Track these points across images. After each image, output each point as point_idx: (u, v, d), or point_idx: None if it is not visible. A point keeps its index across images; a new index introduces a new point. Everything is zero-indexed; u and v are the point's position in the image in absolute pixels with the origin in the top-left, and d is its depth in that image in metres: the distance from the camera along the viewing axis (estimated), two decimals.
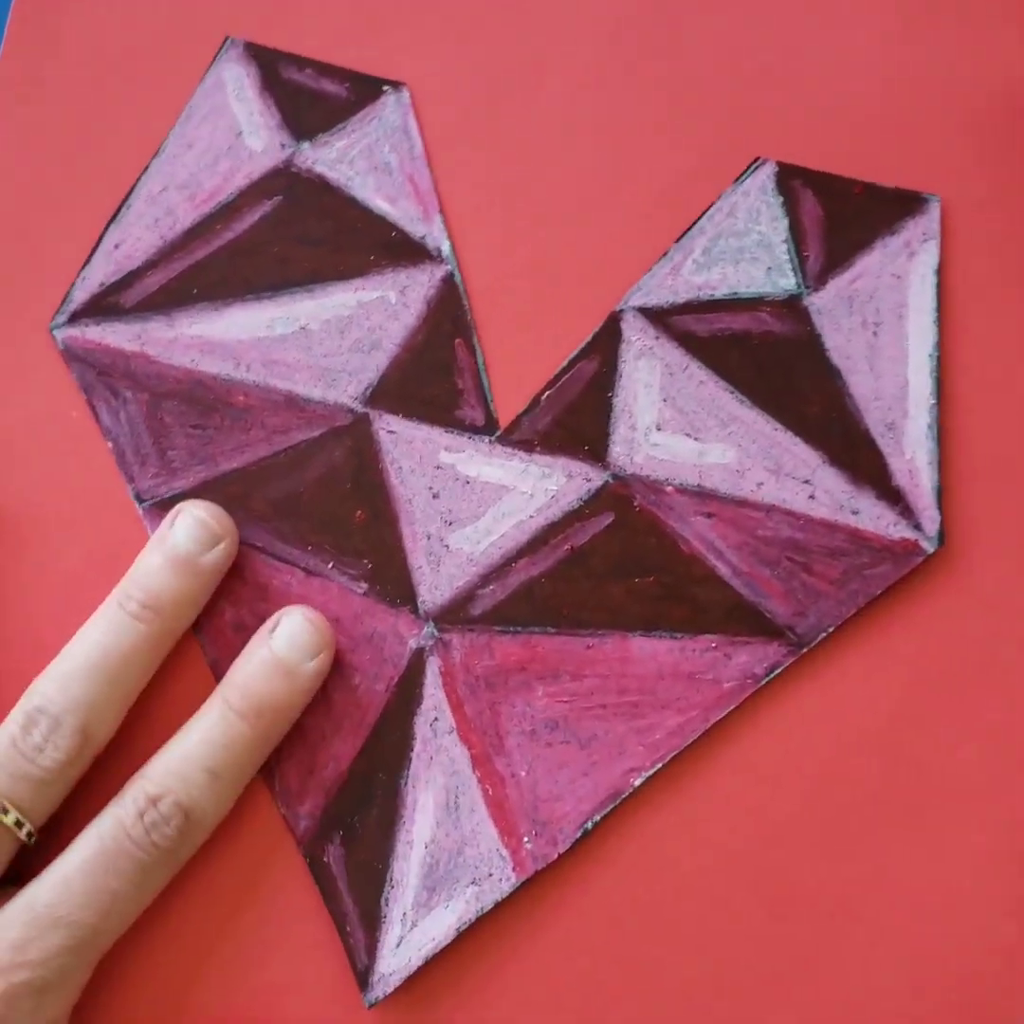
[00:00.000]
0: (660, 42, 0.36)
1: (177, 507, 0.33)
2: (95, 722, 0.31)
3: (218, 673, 0.34)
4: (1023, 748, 0.33)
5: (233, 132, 0.36)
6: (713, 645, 0.33)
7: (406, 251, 0.35)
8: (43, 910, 0.30)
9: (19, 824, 0.30)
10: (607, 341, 0.35)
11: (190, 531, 0.33)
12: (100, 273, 0.35)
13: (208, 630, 0.34)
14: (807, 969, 0.32)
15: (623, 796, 0.33)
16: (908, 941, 0.32)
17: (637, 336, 0.35)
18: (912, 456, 0.34)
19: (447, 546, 0.34)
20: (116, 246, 0.35)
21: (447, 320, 0.35)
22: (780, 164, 0.35)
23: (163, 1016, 0.32)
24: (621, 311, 0.35)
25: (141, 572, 0.32)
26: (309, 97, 0.36)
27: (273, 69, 0.36)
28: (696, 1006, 0.32)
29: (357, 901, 0.32)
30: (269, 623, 0.33)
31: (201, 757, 0.31)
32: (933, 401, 0.34)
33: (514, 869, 0.32)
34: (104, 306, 0.35)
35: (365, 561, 0.34)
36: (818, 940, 0.32)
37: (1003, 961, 0.32)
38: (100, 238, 0.35)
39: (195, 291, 0.35)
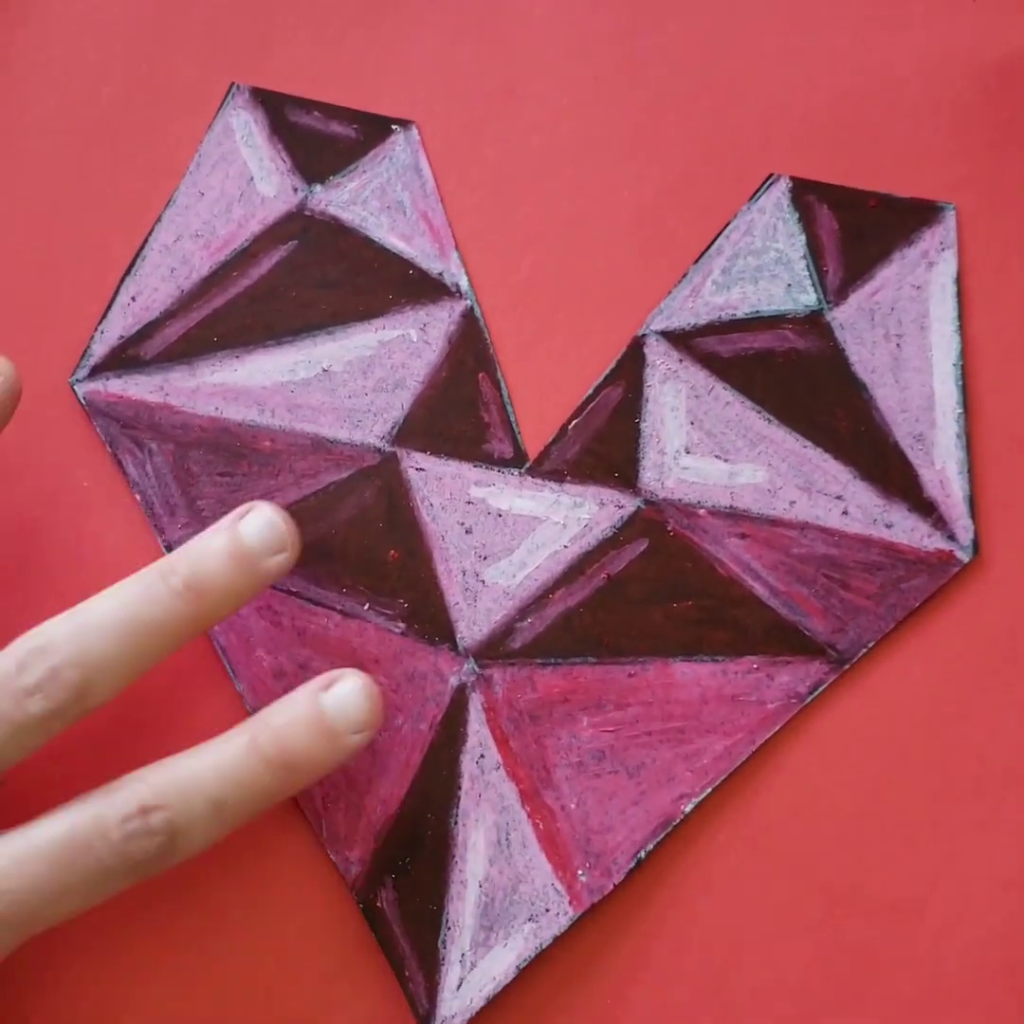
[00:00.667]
0: (667, 66, 0.36)
1: (250, 504, 0.31)
2: (97, 683, 0.29)
3: None
4: None
5: (244, 178, 0.36)
6: (755, 666, 0.33)
7: (424, 288, 0.35)
8: None
9: None
10: (631, 366, 0.35)
11: (260, 530, 0.30)
12: (118, 326, 0.35)
13: (246, 678, 0.34)
14: (881, 975, 0.32)
15: (675, 823, 0.32)
16: (975, 935, 0.32)
17: (661, 360, 0.35)
18: (942, 466, 0.34)
19: (483, 581, 0.34)
20: (133, 298, 0.35)
21: (469, 355, 0.35)
22: (794, 179, 0.35)
23: None
24: (643, 336, 0.35)
25: (195, 552, 0.30)
26: (318, 139, 0.36)
27: (280, 113, 0.36)
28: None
29: (414, 945, 0.32)
30: (324, 679, 0.30)
31: (212, 786, 0.29)
32: (960, 410, 0.34)
33: (570, 903, 0.32)
34: (124, 359, 0.35)
35: (401, 600, 0.34)
36: (888, 946, 0.32)
37: None
38: (116, 291, 0.35)
39: (215, 339, 0.35)
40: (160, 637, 0.30)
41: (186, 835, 0.29)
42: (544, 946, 0.32)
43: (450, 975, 0.32)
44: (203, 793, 0.29)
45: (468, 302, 0.35)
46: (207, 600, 0.30)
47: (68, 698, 0.29)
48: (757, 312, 0.35)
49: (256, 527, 0.30)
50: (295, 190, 0.36)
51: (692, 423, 0.34)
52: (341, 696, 0.30)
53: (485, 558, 0.34)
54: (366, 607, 0.34)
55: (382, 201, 0.36)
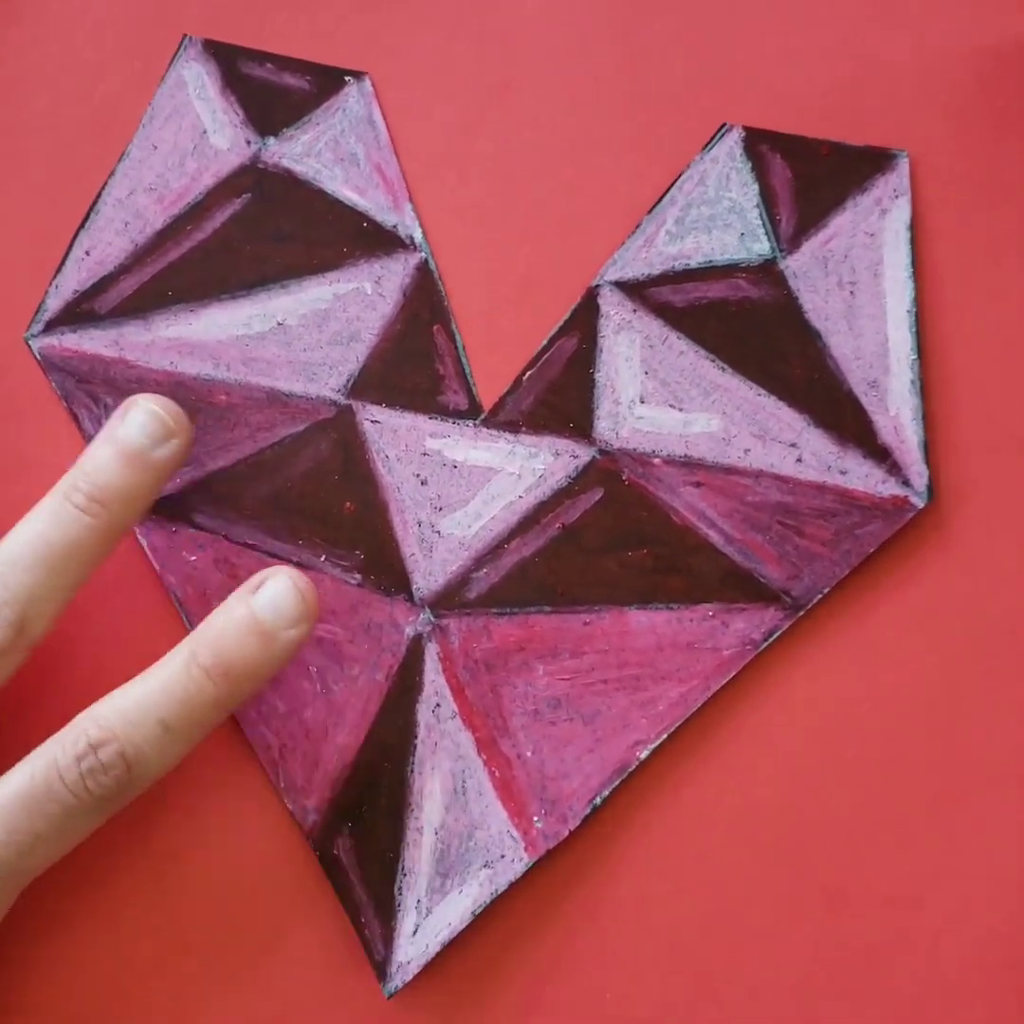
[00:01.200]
0: (621, 14, 0.36)
1: (129, 400, 0.32)
2: (33, 615, 0.30)
3: None
4: None
5: (197, 131, 0.36)
6: (710, 614, 0.33)
7: (379, 241, 0.35)
8: None
9: None
10: (585, 317, 0.35)
11: (142, 424, 0.31)
12: (73, 280, 0.35)
13: None
14: (815, 920, 0.32)
15: (630, 769, 0.33)
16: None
17: (615, 310, 0.35)
18: (896, 413, 0.34)
19: (438, 532, 0.34)
20: (87, 252, 0.35)
21: (424, 307, 0.35)
22: (747, 129, 0.35)
23: (181, 1016, 0.32)
24: (598, 286, 0.35)
25: (89, 465, 0.31)
26: (271, 92, 0.36)
27: (233, 65, 0.36)
28: (721, 972, 0.32)
29: (370, 892, 0.32)
30: (253, 580, 0.31)
31: (156, 707, 0.29)
32: (914, 356, 0.34)
33: (526, 849, 0.32)
34: (79, 313, 0.35)
35: (357, 552, 0.34)
36: (834, 889, 0.32)
37: None
38: (70, 245, 0.35)
39: (170, 293, 0.35)
40: (79, 557, 0.31)
41: (141, 763, 0.29)
42: (499, 892, 0.32)
43: (406, 921, 0.32)
44: (150, 716, 0.29)
45: (422, 254, 0.35)
46: (113, 508, 0.31)
47: (10, 635, 0.30)
48: (710, 262, 0.35)
49: (138, 422, 0.31)
50: (248, 143, 0.36)
51: (646, 373, 0.34)
52: (271, 594, 0.30)
53: (441, 509, 0.34)
54: (322, 558, 0.34)
55: (335, 153, 0.35)
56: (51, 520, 0.30)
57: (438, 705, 0.33)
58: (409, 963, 0.32)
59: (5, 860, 0.29)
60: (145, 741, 0.29)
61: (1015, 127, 0.35)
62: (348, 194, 0.35)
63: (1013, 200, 0.35)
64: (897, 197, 0.35)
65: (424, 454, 0.34)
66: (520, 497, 0.34)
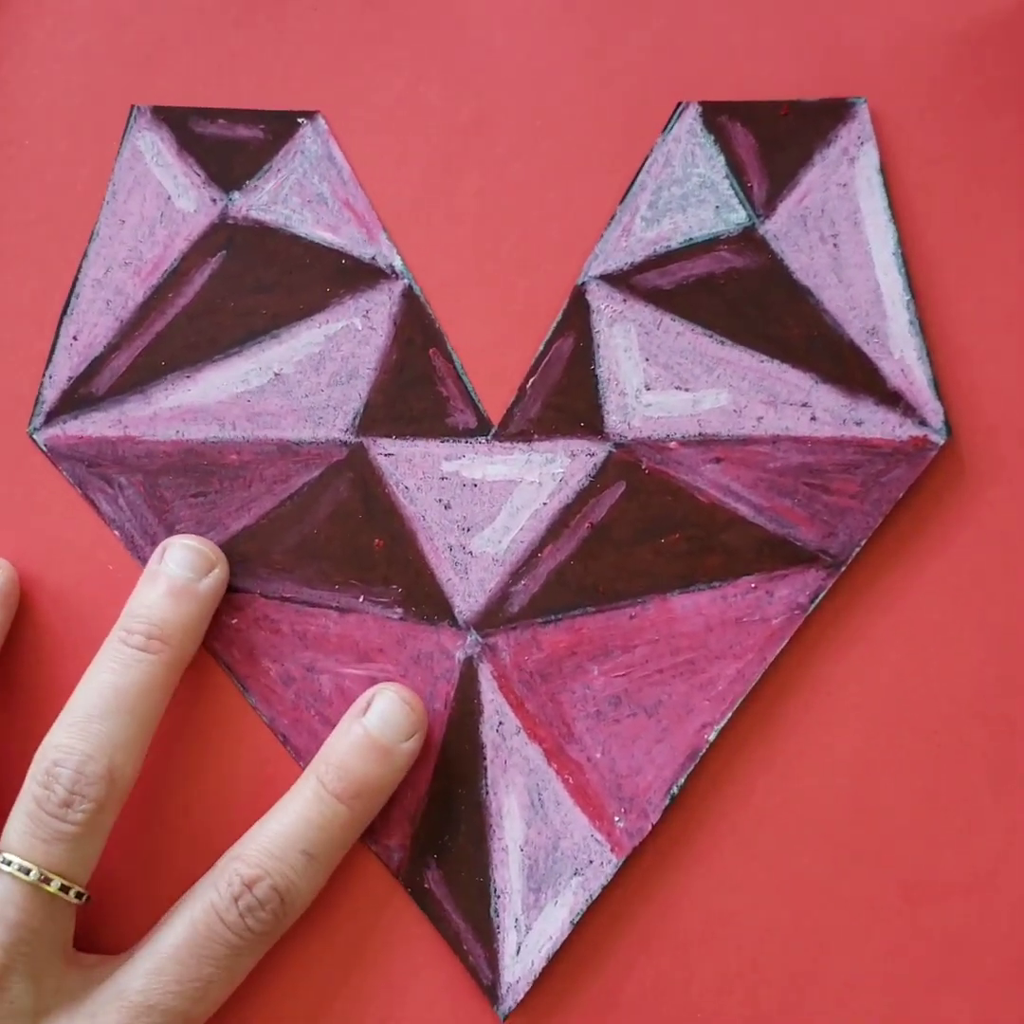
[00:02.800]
0: (565, 10, 0.36)
1: (163, 543, 0.33)
2: (120, 763, 0.30)
3: (277, 730, 0.33)
4: None
5: (162, 198, 0.35)
6: (753, 586, 0.33)
7: (360, 275, 0.35)
8: (136, 998, 0.29)
9: (65, 889, 0.30)
10: (577, 316, 0.35)
11: (183, 559, 0.33)
12: (65, 367, 0.35)
13: (257, 690, 0.34)
14: (912, 887, 0.32)
15: (702, 753, 0.33)
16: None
17: (605, 304, 0.35)
18: (901, 355, 0.34)
19: (470, 552, 0.34)
20: (75, 337, 0.35)
21: (416, 333, 0.35)
22: (703, 103, 0.35)
23: None
24: (584, 283, 0.35)
25: (139, 605, 0.32)
26: (227, 146, 0.36)
27: (185, 127, 0.36)
28: (813, 954, 0.32)
29: (467, 918, 0.32)
30: (362, 701, 0.32)
31: (298, 838, 0.30)
32: (908, 297, 0.34)
33: (613, 850, 0.32)
34: (77, 399, 0.35)
35: (394, 586, 0.34)
36: (909, 876, 0.32)
37: None
38: (57, 332, 0.35)
39: (163, 363, 0.35)
40: (149, 696, 0.31)
41: (292, 893, 0.30)
42: (594, 897, 0.32)
43: (507, 942, 0.32)
44: (294, 848, 0.30)
45: (406, 281, 0.35)
46: (172, 643, 0.32)
47: (104, 788, 0.30)
48: (690, 239, 0.35)
49: (178, 559, 0.33)
50: (214, 201, 0.35)
51: (647, 360, 0.34)
52: (381, 712, 0.32)
53: (468, 530, 0.34)
54: (361, 599, 0.34)
55: (302, 196, 0.35)
56: (115, 666, 0.31)
57: (501, 723, 0.33)
58: (518, 982, 0.32)
59: (181, 1010, 0.30)
60: (293, 872, 0.30)
61: (969, 60, 0.35)
62: (322, 234, 0.35)
63: (978, 128, 0.35)
64: (863, 143, 0.35)
65: (442, 478, 0.34)
66: (544, 504, 0.34)
